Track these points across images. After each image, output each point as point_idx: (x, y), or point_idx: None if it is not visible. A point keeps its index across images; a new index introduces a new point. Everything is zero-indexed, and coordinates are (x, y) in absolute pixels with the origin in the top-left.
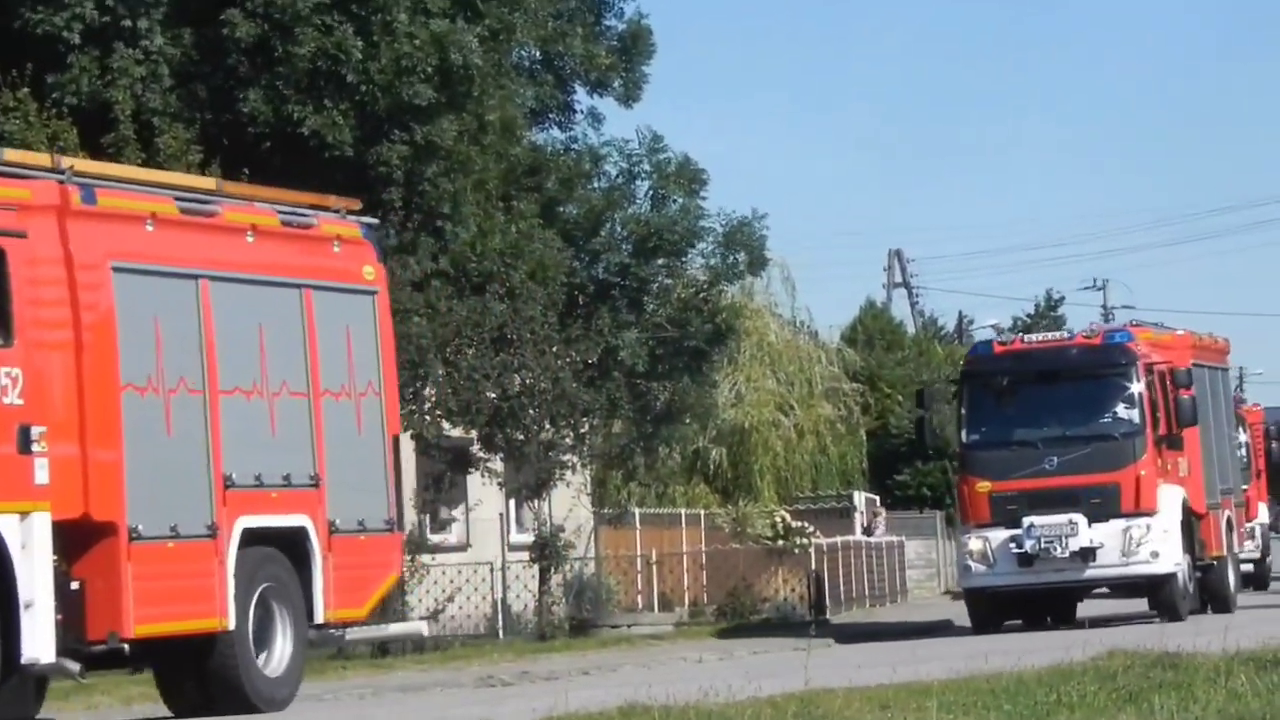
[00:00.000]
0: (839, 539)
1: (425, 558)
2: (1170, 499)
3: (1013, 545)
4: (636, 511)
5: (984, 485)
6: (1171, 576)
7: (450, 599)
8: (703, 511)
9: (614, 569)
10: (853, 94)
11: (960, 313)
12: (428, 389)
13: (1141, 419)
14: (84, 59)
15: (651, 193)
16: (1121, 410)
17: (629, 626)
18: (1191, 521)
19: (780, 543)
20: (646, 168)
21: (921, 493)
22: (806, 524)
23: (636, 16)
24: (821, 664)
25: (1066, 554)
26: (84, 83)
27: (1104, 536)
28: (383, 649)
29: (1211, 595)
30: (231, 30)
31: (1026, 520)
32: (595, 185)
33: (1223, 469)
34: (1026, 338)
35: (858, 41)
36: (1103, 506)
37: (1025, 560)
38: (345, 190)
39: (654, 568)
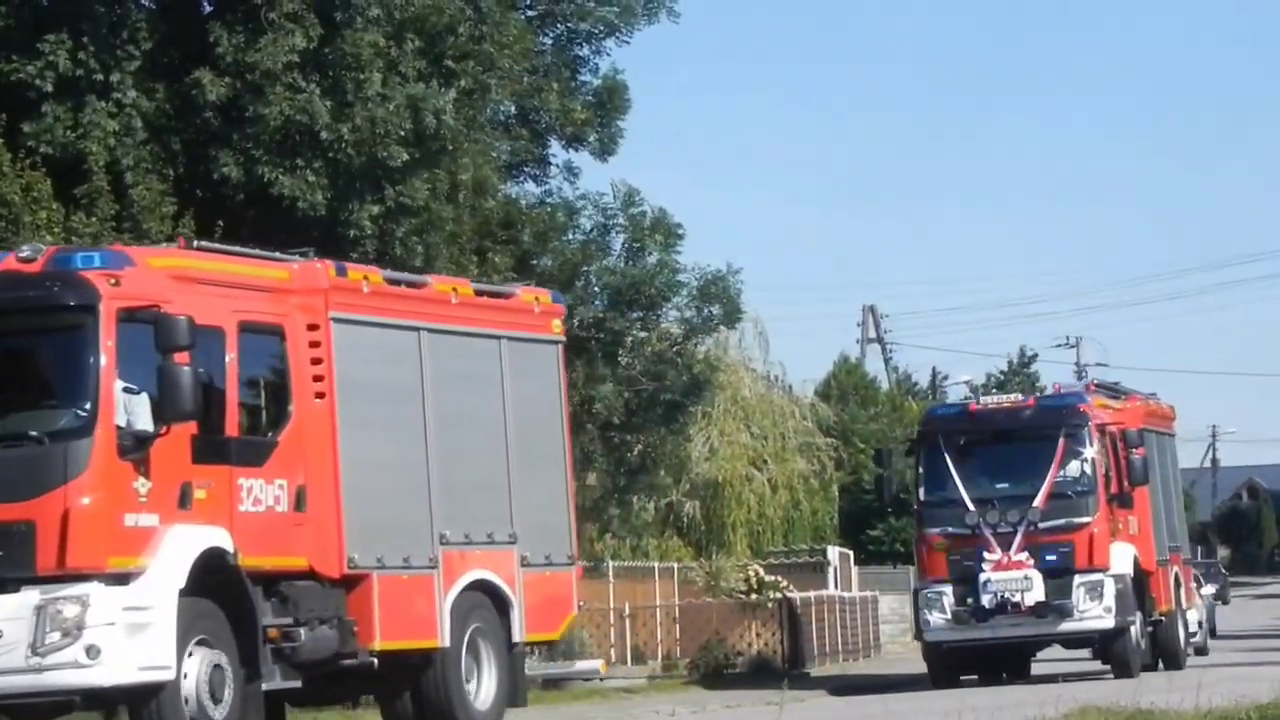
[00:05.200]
0: (812, 593)
1: None
2: (175, 551)
3: None
4: (610, 564)
5: None
6: (160, 690)
7: None
8: (676, 565)
9: (587, 621)
10: (827, 151)
11: (934, 369)
12: None
13: (93, 415)
14: (57, 109)
15: (627, 246)
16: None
17: (601, 679)
18: (234, 588)
19: (753, 596)
20: (622, 221)
21: (895, 548)
22: (779, 578)
23: (612, 72)
24: (795, 718)
25: None
26: (58, 132)
27: (4, 617)
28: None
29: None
30: (201, 92)
31: None
32: (570, 238)
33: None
34: None
35: (831, 99)
36: (11, 560)
37: None
38: (318, 245)
39: (627, 621)
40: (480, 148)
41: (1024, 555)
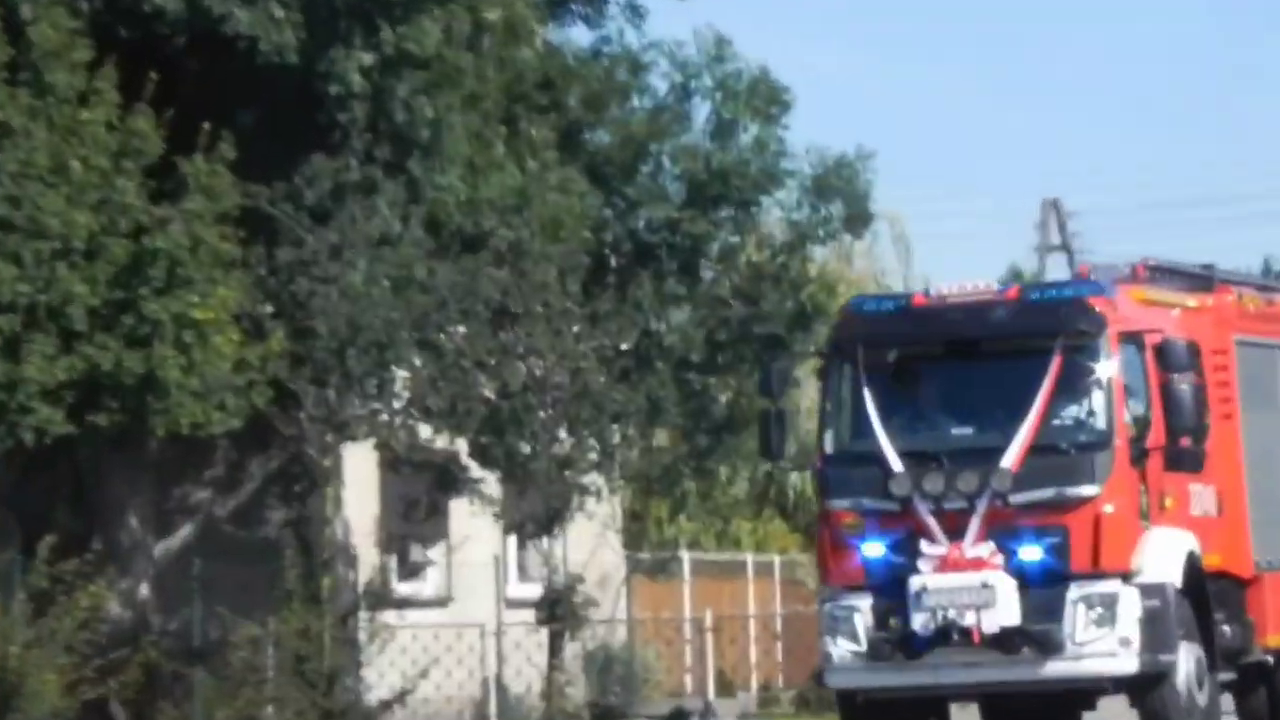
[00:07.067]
0: None
1: (390, 615)
2: None
3: None
4: (686, 556)
5: None
6: None
7: (424, 674)
8: (778, 558)
9: (653, 636)
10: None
11: None
12: (398, 381)
13: None
14: None
15: (714, 118)
16: None
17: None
18: None
19: None
20: (708, 83)
21: None
22: None
23: None
24: None
25: None
26: None
27: None
28: None
29: None
30: None
31: None
32: (636, 105)
33: None
34: None
35: None
36: None
37: None
38: (293, 110)
39: (708, 636)
40: None
41: (985, 548)
